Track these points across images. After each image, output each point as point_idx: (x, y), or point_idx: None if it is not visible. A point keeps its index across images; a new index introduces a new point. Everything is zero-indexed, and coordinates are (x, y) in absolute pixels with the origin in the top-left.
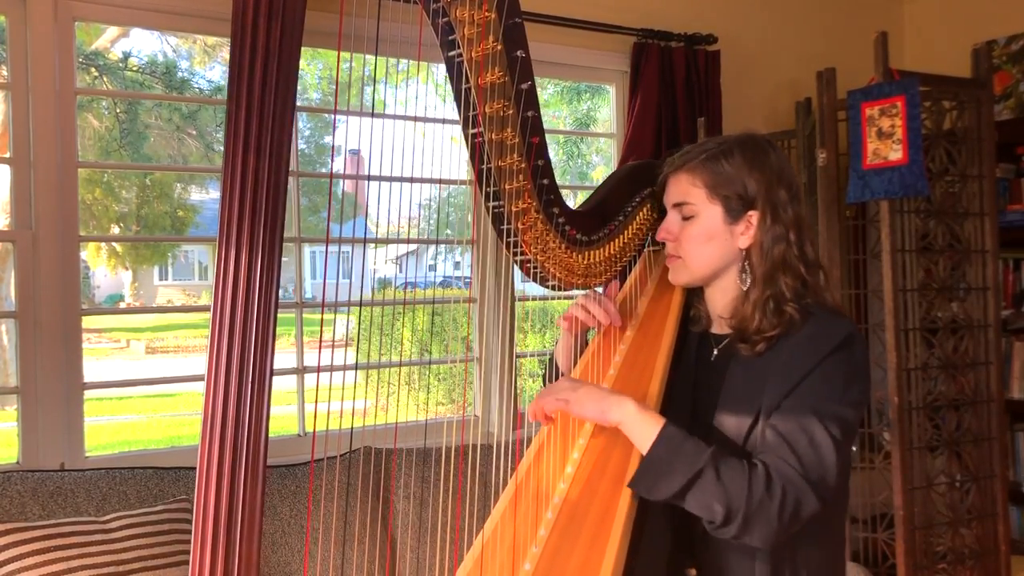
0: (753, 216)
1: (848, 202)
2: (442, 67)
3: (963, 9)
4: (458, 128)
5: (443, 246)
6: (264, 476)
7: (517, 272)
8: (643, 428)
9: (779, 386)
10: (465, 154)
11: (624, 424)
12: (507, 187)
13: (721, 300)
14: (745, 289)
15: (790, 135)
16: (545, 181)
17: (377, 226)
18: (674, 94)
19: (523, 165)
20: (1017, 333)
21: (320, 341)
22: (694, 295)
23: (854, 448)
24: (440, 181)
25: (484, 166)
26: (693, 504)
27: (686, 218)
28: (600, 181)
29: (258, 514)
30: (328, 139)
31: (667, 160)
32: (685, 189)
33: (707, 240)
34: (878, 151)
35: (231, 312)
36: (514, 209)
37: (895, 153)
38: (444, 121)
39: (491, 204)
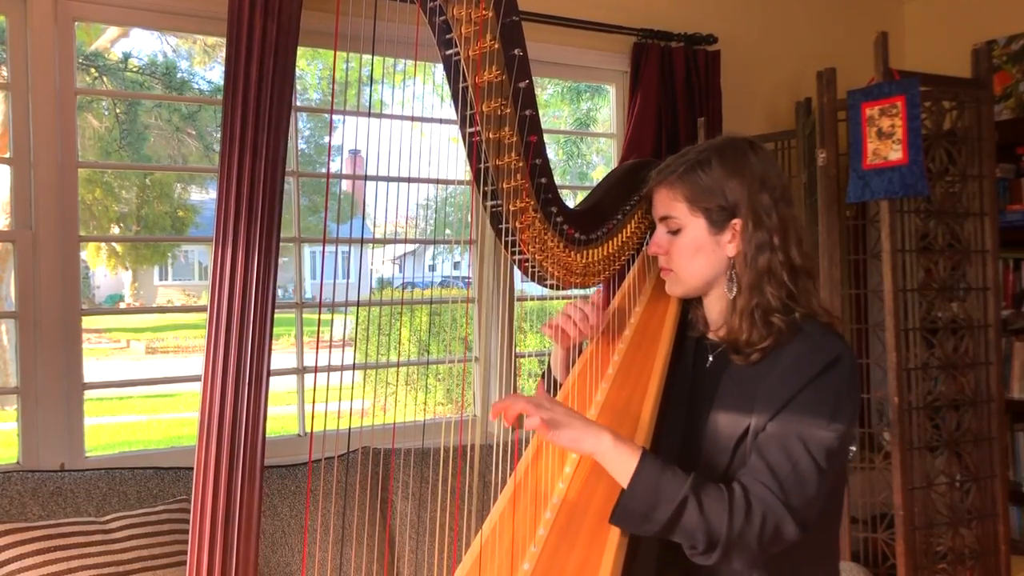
0: (737, 224)
1: (848, 202)
2: (441, 67)
3: (963, 9)
4: (458, 128)
5: (443, 246)
6: (262, 476)
7: (517, 272)
8: (620, 460)
9: (767, 406)
10: (464, 154)
11: (599, 456)
12: (505, 186)
13: (716, 307)
14: (732, 298)
15: (790, 135)
16: (543, 180)
17: (375, 225)
18: (674, 94)
19: (521, 164)
20: (1017, 333)
21: (318, 340)
22: (692, 299)
23: (854, 448)
24: (440, 181)
25: (482, 165)
26: (676, 536)
27: (672, 231)
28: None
29: (256, 514)
30: (327, 139)
31: (649, 175)
32: (668, 204)
33: (695, 252)
34: (878, 151)
35: (228, 312)
36: (512, 208)
37: (895, 153)
38: (444, 121)
39: (489, 203)
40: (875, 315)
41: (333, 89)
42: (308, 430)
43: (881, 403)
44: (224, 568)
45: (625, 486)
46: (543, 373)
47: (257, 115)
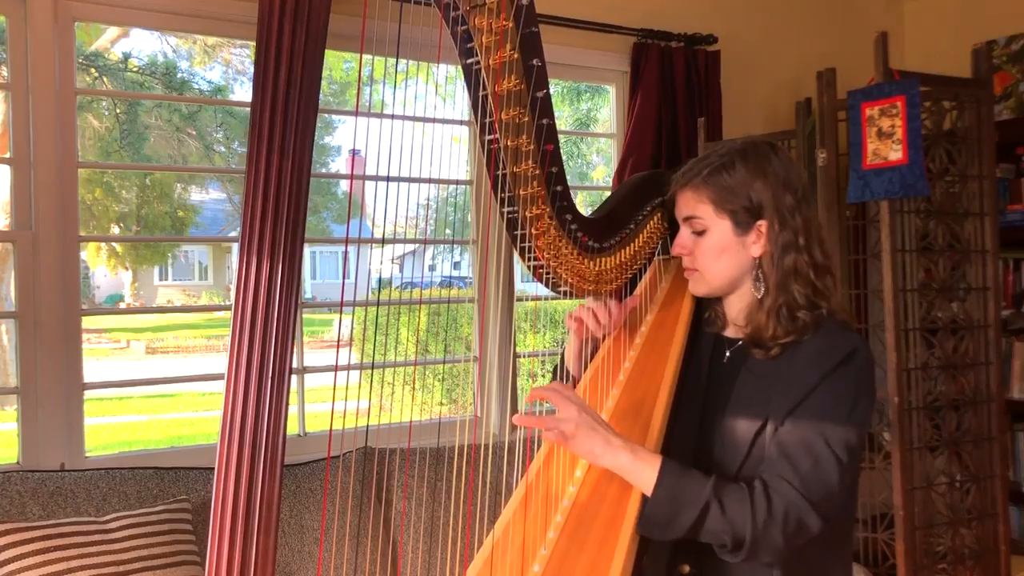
0: (762, 225)
1: (848, 202)
2: (443, 68)
3: (963, 9)
4: (459, 128)
5: (443, 246)
6: (282, 472)
7: (517, 272)
8: (641, 474)
9: (786, 399)
10: (465, 154)
11: (619, 470)
12: (521, 193)
13: (738, 305)
14: (759, 297)
15: (790, 135)
16: (559, 188)
17: (375, 225)
18: (674, 94)
19: (537, 171)
20: (1017, 333)
21: (338, 341)
22: (708, 299)
23: None
24: (441, 181)
25: (499, 172)
26: (703, 538)
27: (697, 232)
28: (600, 181)
29: (275, 509)
30: (328, 139)
31: (673, 177)
32: (692, 205)
33: (720, 253)
34: (878, 151)
35: (252, 312)
36: (528, 215)
37: (895, 153)
38: (446, 121)
39: (505, 209)
40: (875, 315)
41: (359, 90)
42: (308, 430)
43: (881, 403)
44: (243, 561)
45: (648, 495)
46: (555, 367)
47: (285, 118)
